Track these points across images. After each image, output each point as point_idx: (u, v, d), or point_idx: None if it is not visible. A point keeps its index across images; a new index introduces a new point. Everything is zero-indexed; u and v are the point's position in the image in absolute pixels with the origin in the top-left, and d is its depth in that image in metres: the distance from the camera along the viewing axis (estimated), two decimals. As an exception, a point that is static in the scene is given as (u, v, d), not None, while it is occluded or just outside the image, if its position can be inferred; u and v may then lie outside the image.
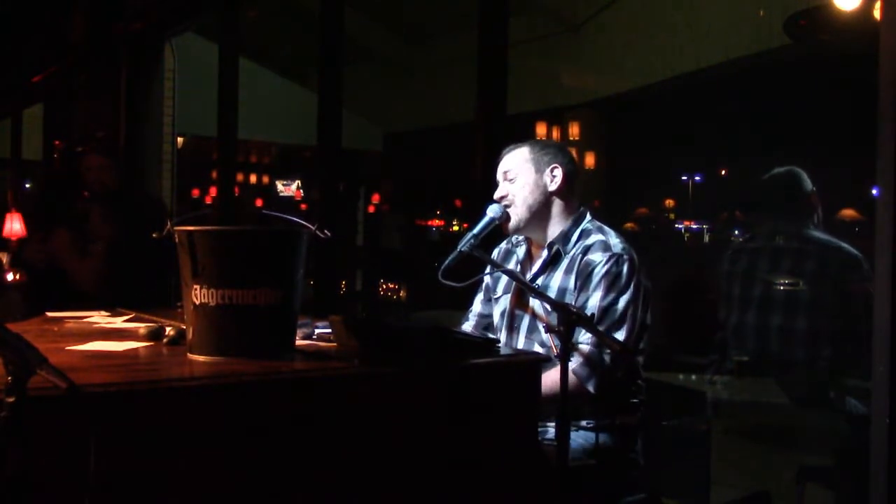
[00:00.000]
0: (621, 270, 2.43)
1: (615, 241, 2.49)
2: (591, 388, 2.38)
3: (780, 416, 3.42)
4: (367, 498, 1.88)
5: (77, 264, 4.30)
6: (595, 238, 2.50)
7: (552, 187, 2.56)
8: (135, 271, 4.02)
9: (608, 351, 2.35)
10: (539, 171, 2.55)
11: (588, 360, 2.38)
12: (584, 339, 2.39)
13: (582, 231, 2.54)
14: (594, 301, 2.42)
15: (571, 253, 2.51)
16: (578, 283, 2.46)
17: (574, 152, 2.76)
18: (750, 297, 3.47)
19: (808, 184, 3.44)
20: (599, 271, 2.43)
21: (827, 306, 3.34)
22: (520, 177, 2.55)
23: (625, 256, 2.45)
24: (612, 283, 2.42)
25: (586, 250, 2.48)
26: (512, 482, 2.04)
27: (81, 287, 4.25)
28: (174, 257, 2.01)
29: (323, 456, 1.83)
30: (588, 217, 2.59)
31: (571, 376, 2.28)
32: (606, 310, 2.41)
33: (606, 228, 2.56)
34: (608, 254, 2.45)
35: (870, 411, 2.18)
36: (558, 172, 2.56)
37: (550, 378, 2.22)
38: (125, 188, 4.45)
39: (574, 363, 2.35)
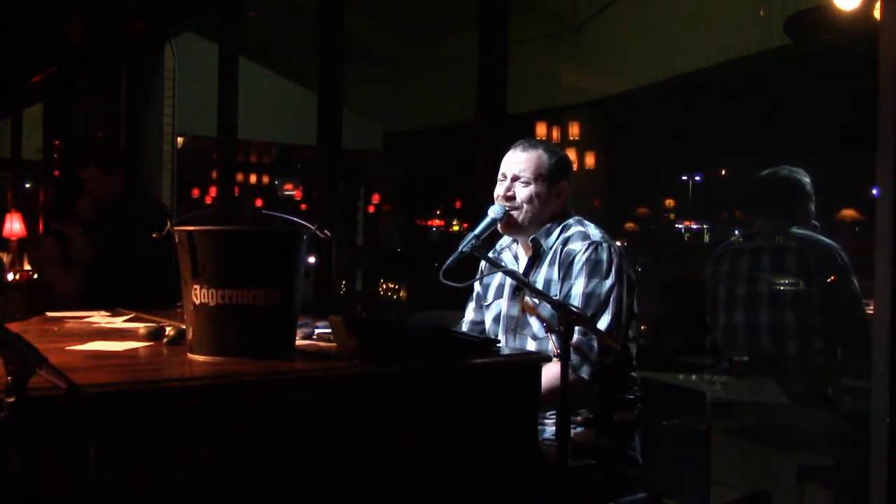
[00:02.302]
0: (601, 257, 2.47)
1: (594, 231, 2.55)
2: (584, 375, 2.40)
3: (780, 416, 3.42)
4: (367, 498, 1.88)
5: (61, 276, 4.23)
6: (574, 229, 2.56)
7: (557, 202, 2.60)
8: (130, 275, 3.95)
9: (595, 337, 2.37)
10: (550, 184, 2.58)
11: (577, 347, 2.39)
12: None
13: (563, 225, 2.58)
14: (577, 289, 2.46)
15: (554, 246, 2.55)
16: (561, 273, 2.50)
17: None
18: (735, 298, 3.49)
19: (809, 185, 3.45)
20: (580, 259, 2.48)
21: (812, 300, 3.35)
22: (532, 185, 2.57)
23: (604, 244, 2.50)
24: (594, 269, 2.46)
25: (566, 241, 2.53)
26: (511, 482, 2.04)
27: (63, 298, 4.19)
28: (174, 258, 2.01)
29: (323, 456, 1.83)
30: (571, 213, 2.63)
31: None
32: (590, 296, 2.45)
33: (586, 222, 2.61)
34: (587, 242, 2.50)
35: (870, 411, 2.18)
36: (564, 190, 2.61)
37: (546, 373, 2.23)
38: (122, 199, 4.23)
39: None
